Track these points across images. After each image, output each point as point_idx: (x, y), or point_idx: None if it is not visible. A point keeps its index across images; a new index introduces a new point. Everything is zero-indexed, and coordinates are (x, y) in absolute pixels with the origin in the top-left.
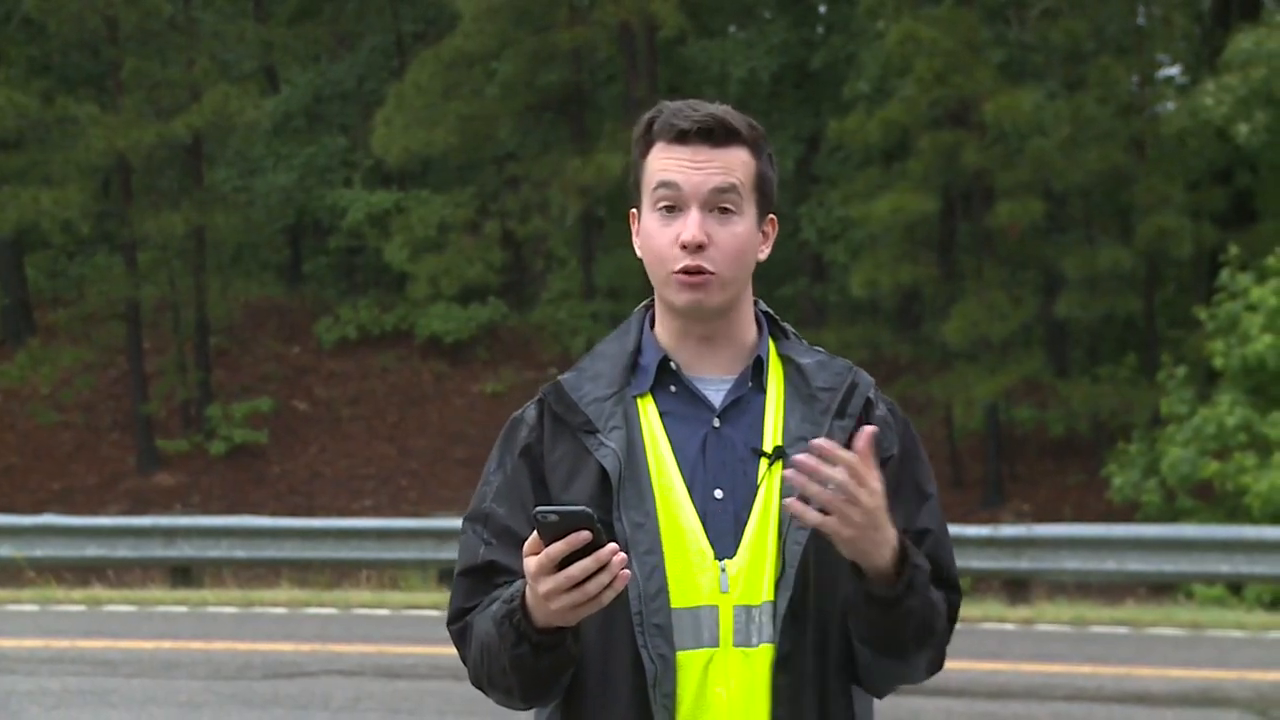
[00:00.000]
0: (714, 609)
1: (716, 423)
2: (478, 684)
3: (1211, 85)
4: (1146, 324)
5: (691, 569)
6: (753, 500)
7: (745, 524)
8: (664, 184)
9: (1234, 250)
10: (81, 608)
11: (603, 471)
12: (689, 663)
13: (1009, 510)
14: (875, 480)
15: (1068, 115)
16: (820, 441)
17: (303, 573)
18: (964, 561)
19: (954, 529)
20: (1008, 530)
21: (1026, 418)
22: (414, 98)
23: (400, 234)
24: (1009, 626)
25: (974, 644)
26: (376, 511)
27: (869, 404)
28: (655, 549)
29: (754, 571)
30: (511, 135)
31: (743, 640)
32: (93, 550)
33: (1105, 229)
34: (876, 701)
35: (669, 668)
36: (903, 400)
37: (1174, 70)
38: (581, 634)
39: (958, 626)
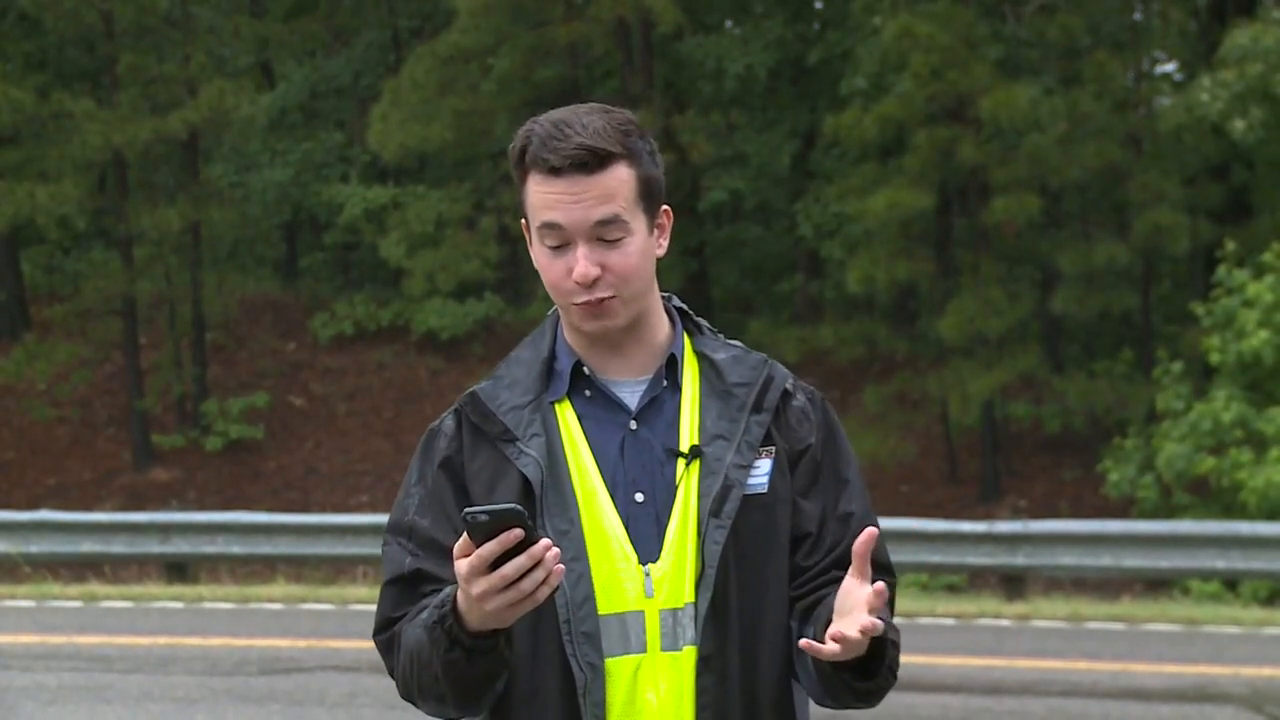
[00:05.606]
0: (640, 614)
1: (633, 425)
2: (407, 695)
3: (1207, 81)
4: (1143, 320)
5: (617, 574)
6: (672, 502)
7: (666, 526)
8: (547, 224)
9: (1230, 246)
10: (77, 603)
11: (525, 480)
12: (618, 669)
13: (1005, 506)
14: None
15: (1064, 111)
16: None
17: (299, 568)
18: (960, 557)
19: (950, 525)
20: (1004, 526)
21: (1023, 413)
22: (410, 93)
23: (396, 229)
24: (1005, 622)
25: (970, 639)
26: (373, 507)
27: (786, 395)
28: (581, 556)
29: (677, 574)
30: (508, 131)
31: (670, 644)
32: (88, 546)
33: (1101, 225)
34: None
35: (598, 675)
36: (899, 396)
37: (1170, 66)
38: (514, 638)
39: (952, 622)
